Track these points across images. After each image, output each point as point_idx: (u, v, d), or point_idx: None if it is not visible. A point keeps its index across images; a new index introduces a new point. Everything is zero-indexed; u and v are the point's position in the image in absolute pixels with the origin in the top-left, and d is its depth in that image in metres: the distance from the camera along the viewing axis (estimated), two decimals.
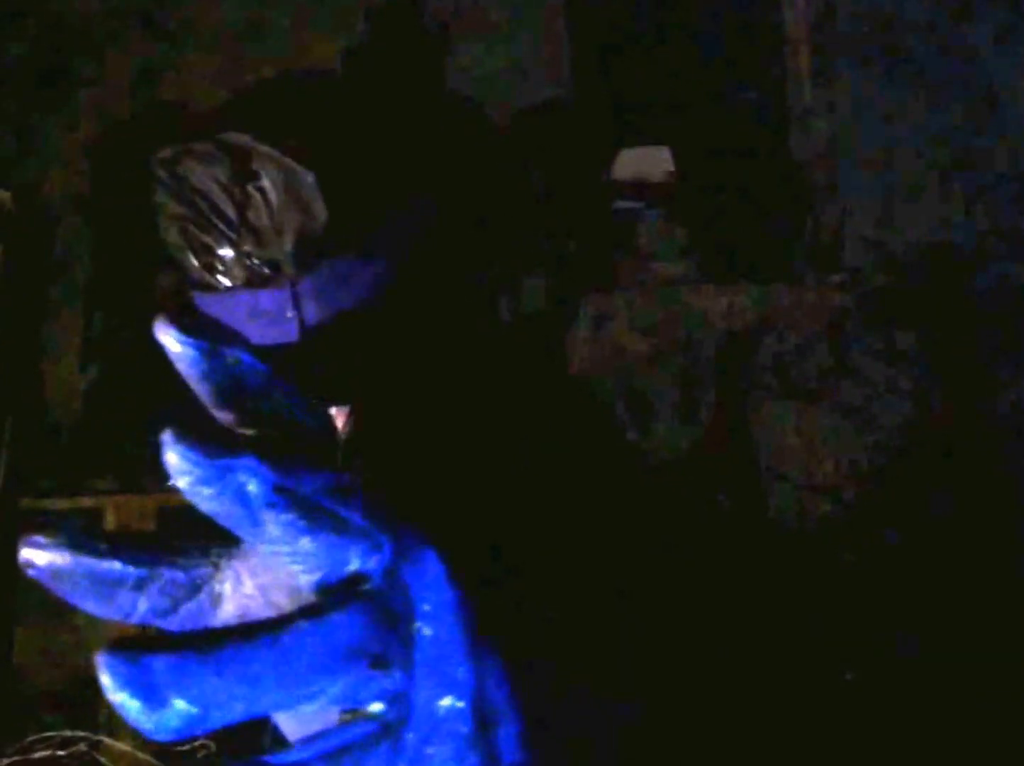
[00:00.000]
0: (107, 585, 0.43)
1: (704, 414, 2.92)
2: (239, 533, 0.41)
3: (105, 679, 0.38)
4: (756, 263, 3.14)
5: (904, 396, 2.98)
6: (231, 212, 0.82)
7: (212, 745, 1.83)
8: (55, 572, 0.43)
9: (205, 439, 0.40)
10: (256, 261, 0.82)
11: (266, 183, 0.80)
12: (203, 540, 0.44)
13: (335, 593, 0.41)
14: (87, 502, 2.61)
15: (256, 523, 0.41)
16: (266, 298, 0.82)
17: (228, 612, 0.44)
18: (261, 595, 0.44)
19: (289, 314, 0.82)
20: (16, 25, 3.02)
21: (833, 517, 2.84)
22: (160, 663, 0.38)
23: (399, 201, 0.84)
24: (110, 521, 2.55)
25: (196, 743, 1.87)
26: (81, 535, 0.43)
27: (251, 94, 0.84)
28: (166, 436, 0.39)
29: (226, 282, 0.83)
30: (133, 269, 3.01)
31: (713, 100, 3.30)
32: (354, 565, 0.42)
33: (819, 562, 2.74)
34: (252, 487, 0.40)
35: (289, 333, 0.82)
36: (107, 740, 2.04)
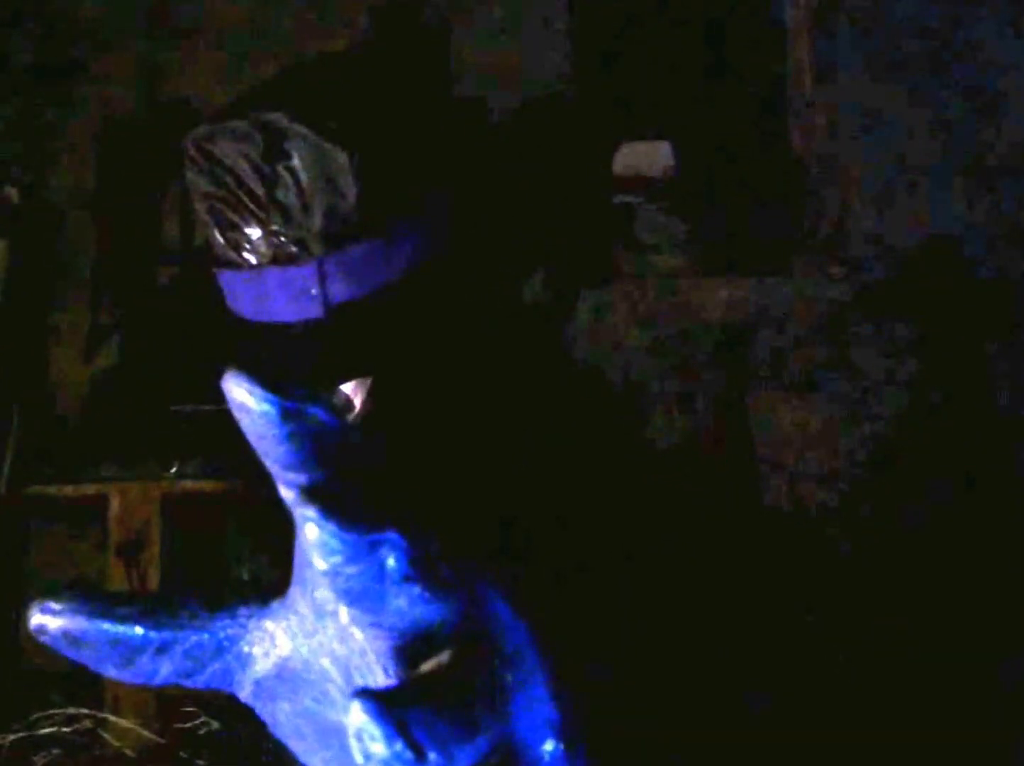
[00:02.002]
0: (128, 650, 0.41)
1: (702, 405, 2.93)
2: (359, 608, 0.40)
3: (371, 745, 0.36)
4: (755, 256, 3.15)
5: (901, 388, 2.99)
6: (260, 191, 0.82)
7: (214, 723, 1.85)
8: (70, 639, 0.42)
9: (352, 514, 0.38)
10: (283, 239, 0.82)
11: (296, 162, 0.81)
12: (229, 600, 0.43)
13: (432, 647, 0.40)
14: (91, 489, 2.64)
15: (383, 598, 0.39)
16: (291, 275, 0.82)
17: (260, 674, 0.43)
18: (299, 658, 0.43)
19: (314, 291, 0.82)
20: (23, 23, 3.06)
21: (828, 506, 2.85)
22: (415, 719, 0.37)
23: (432, 190, 0.85)
24: (114, 508, 2.58)
25: (199, 720, 1.90)
26: (96, 598, 0.42)
27: (255, 90, 0.85)
28: (311, 512, 0.37)
29: (252, 260, 0.83)
30: (137, 262, 3.06)
31: (713, 94, 3.31)
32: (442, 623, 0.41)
33: (814, 550, 2.75)
34: (391, 562, 0.39)
35: (313, 310, 0.83)
36: (112, 717, 2.07)
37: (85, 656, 0.42)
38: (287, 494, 0.41)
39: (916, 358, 2.99)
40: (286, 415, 0.40)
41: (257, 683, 0.44)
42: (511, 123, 3.10)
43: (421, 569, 0.39)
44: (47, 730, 1.92)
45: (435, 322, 0.84)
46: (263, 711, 0.46)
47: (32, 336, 2.95)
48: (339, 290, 0.82)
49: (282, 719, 0.45)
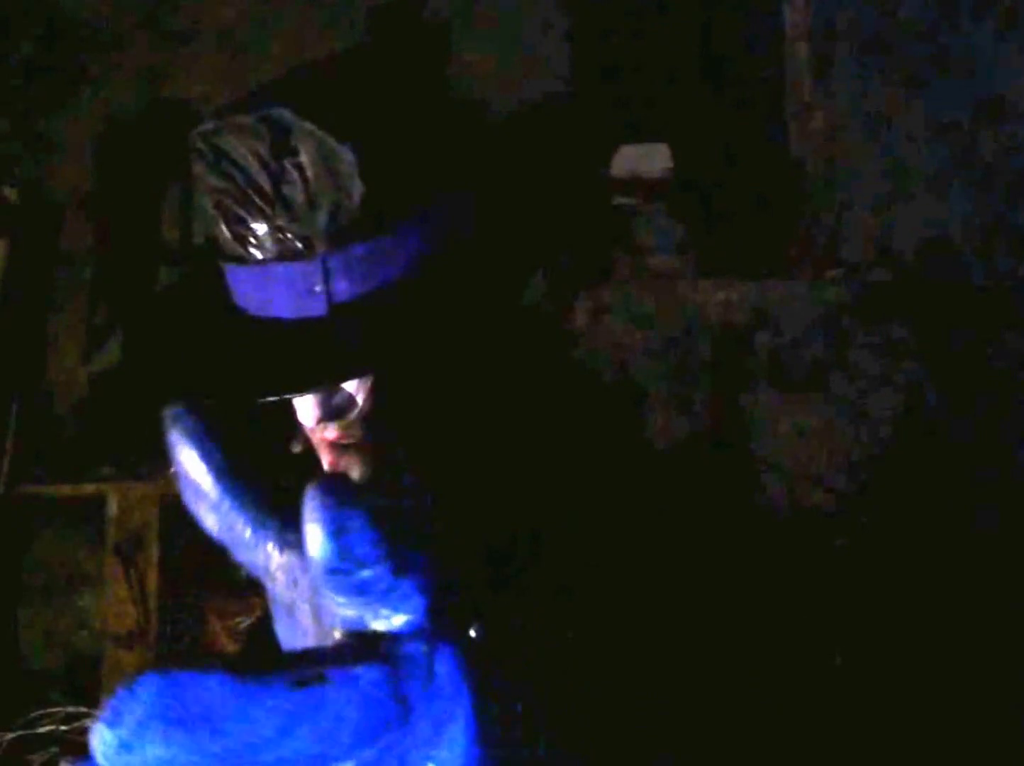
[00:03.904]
0: (195, 488, 0.44)
1: (699, 406, 2.94)
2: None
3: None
4: (753, 258, 3.16)
5: (898, 389, 2.99)
6: (267, 186, 0.82)
7: None
8: (172, 449, 0.43)
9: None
10: (289, 235, 0.82)
11: (304, 159, 0.80)
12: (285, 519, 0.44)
13: None
14: (90, 489, 2.64)
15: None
16: (296, 271, 0.82)
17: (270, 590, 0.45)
18: (285, 599, 0.44)
19: (318, 288, 0.82)
20: (24, 24, 3.07)
21: (825, 506, 2.85)
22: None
23: (441, 190, 0.85)
24: (112, 507, 2.58)
25: None
26: (213, 432, 0.43)
27: (261, 88, 0.85)
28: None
29: (258, 255, 0.83)
30: (136, 263, 3.06)
31: (712, 96, 3.32)
32: None
33: (811, 550, 2.75)
34: None
35: (316, 307, 0.83)
36: None
37: (178, 470, 0.44)
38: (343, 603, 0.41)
39: (913, 359, 3.00)
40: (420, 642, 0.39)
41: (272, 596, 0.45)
42: (511, 124, 3.10)
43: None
44: (46, 729, 1.92)
45: (437, 321, 0.84)
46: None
47: (31, 336, 2.96)
48: (343, 287, 0.82)
49: (281, 634, 0.46)
